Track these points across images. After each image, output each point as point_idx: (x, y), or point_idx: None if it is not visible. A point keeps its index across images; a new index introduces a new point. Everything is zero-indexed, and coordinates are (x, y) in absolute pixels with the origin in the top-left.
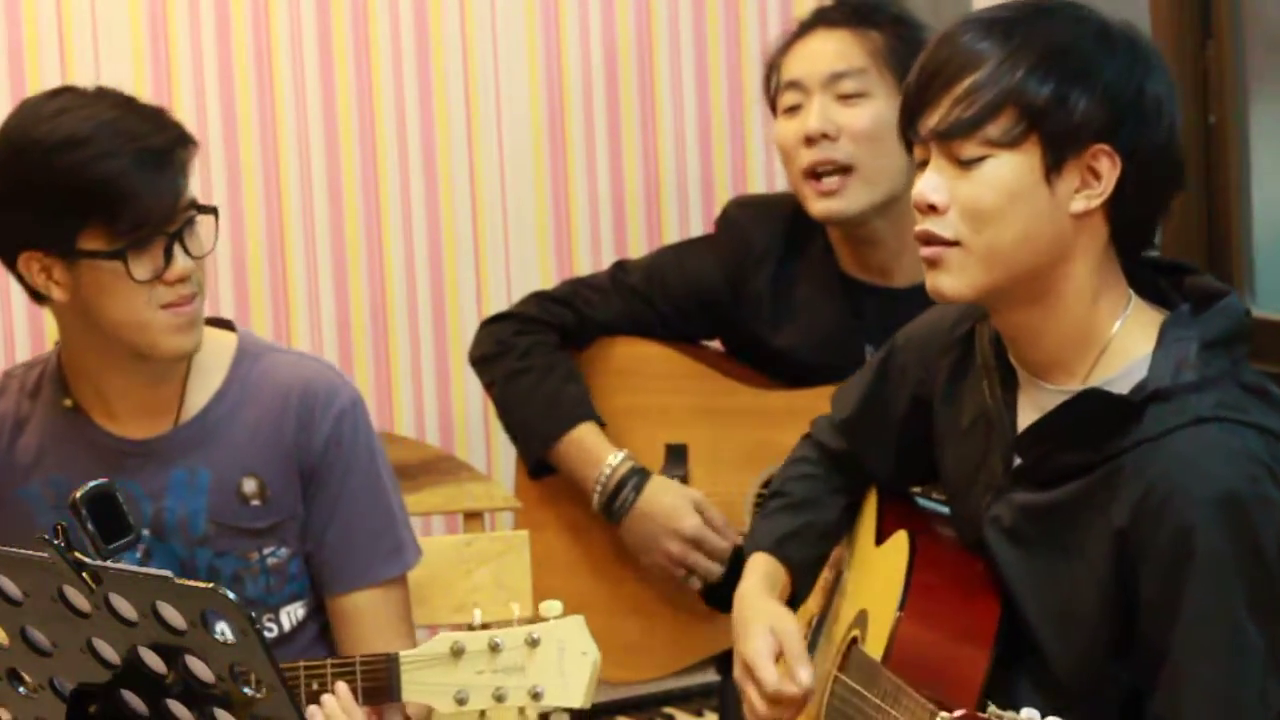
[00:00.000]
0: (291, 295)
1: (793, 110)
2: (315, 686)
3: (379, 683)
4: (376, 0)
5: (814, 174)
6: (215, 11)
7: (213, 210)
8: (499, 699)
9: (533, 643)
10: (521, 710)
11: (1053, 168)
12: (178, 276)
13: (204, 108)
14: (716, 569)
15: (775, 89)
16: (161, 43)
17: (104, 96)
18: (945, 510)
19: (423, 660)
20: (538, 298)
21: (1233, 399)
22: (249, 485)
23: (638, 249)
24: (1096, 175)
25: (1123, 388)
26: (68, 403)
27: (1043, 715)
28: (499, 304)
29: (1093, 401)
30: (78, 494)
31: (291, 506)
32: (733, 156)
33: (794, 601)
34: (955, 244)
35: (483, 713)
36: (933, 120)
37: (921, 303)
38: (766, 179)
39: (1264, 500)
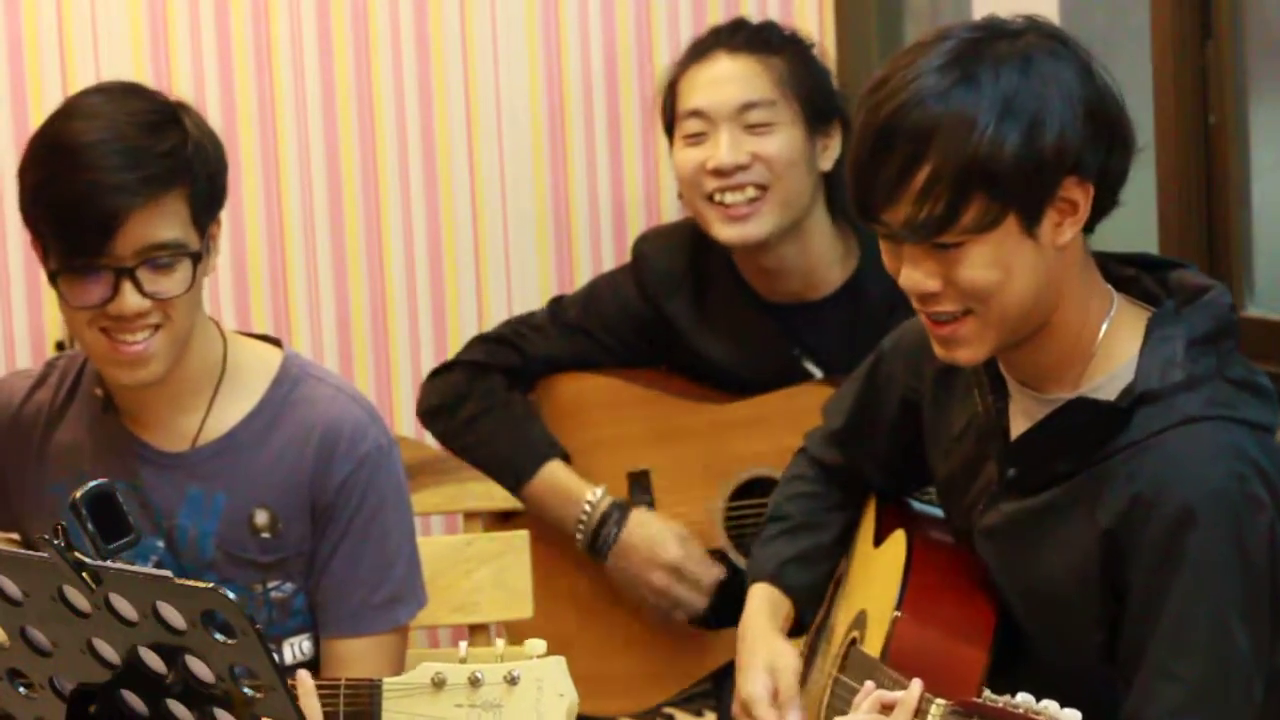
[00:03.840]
0: (291, 295)
1: (695, 138)
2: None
3: (361, 708)
4: (376, 0)
5: (718, 200)
6: (215, 11)
7: (190, 255)
8: None
9: (512, 680)
10: None
11: (1031, 223)
12: (118, 313)
13: (204, 108)
14: (700, 601)
15: (672, 114)
16: (161, 43)
17: (121, 106)
18: (938, 513)
19: (405, 689)
20: (480, 341)
21: (1222, 396)
22: (261, 517)
23: None
24: (1073, 204)
25: (1111, 392)
26: (99, 391)
27: (1038, 701)
28: (499, 304)
29: (1081, 411)
30: (77, 494)
31: (300, 544)
32: None
33: (800, 627)
34: (968, 313)
35: None
36: (898, 217)
37: (847, 304)
38: None
39: (1251, 499)
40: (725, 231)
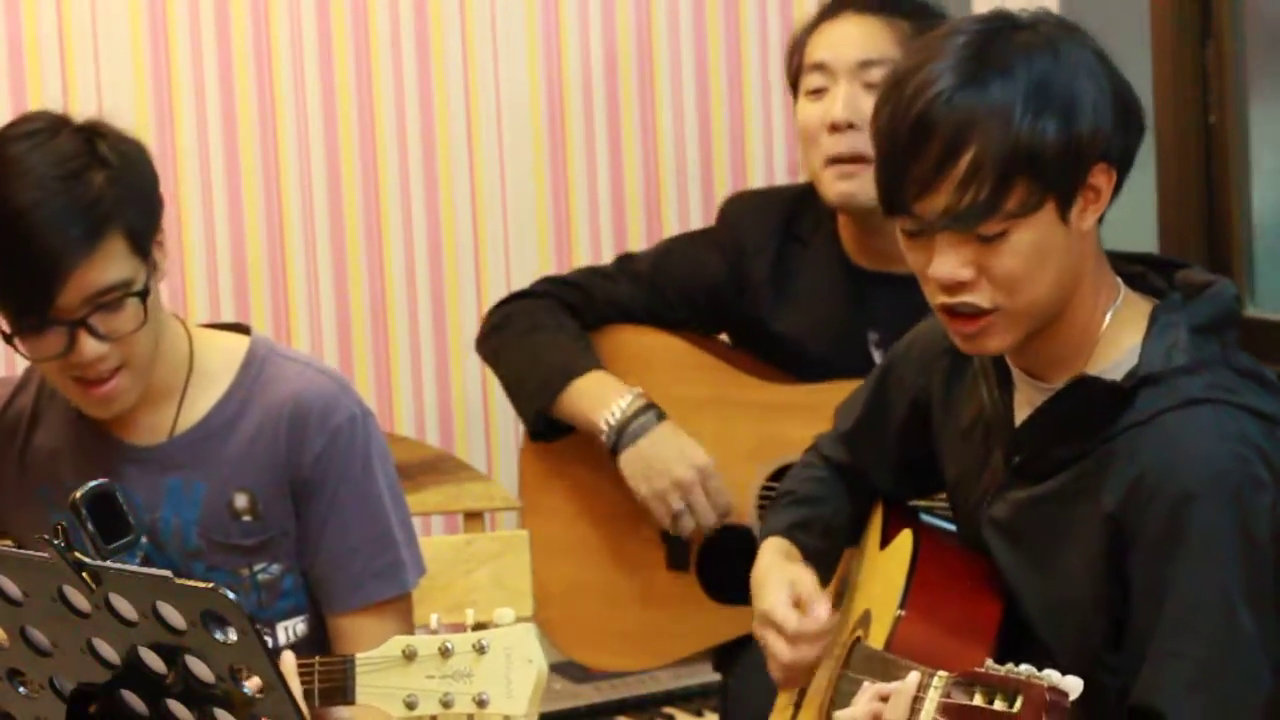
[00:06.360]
0: (291, 295)
1: (817, 93)
2: None
3: (335, 683)
4: (376, 1)
5: (834, 159)
6: (215, 12)
7: (138, 294)
8: (446, 705)
9: (480, 649)
10: (470, 717)
11: (1066, 208)
12: (78, 361)
13: (204, 108)
14: (712, 516)
15: (798, 69)
16: (161, 44)
17: (43, 157)
18: (949, 525)
19: (377, 663)
20: (548, 280)
21: (1224, 381)
22: (240, 500)
23: (637, 248)
24: (1097, 190)
25: (1115, 377)
26: None
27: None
28: None
29: (1084, 389)
30: (78, 494)
31: (283, 523)
32: (732, 156)
33: None
34: (994, 310)
35: (433, 718)
36: (937, 205)
37: None
38: (766, 178)
39: (1255, 481)
40: (836, 187)
